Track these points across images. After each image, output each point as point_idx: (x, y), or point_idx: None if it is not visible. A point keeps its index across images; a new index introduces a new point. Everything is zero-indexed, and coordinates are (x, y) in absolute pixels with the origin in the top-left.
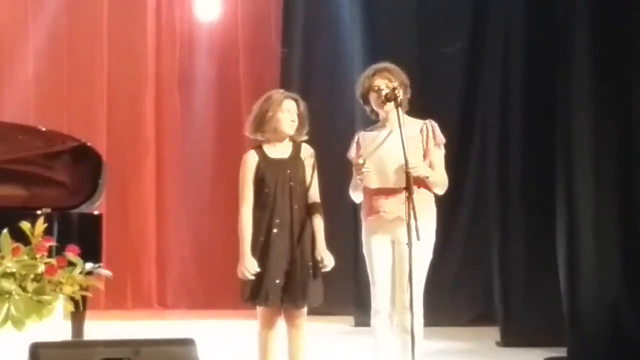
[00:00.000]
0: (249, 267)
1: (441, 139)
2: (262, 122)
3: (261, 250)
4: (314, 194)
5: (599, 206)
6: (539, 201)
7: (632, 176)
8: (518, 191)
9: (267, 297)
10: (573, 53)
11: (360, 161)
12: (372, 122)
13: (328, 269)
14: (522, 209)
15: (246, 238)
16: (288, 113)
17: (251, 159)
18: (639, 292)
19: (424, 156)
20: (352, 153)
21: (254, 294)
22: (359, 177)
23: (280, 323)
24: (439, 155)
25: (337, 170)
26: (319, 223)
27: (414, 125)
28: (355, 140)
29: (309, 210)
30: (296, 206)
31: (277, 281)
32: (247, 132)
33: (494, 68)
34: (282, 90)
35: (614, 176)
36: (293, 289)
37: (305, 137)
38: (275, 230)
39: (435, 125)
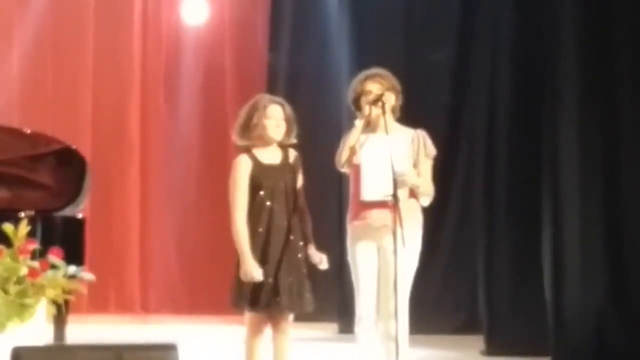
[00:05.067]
0: (255, 272)
1: (432, 150)
2: (247, 129)
3: (257, 256)
4: (301, 199)
5: (584, 216)
6: (525, 211)
7: (618, 185)
8: (504, 200)
9: (258, 302)
10: (560, 62)
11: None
12: None
13: (323, 268)
14: (508, 218)
15: (245, 242)
16: (273, 119)
17: (245, 164)
18: (624, 302)
19: (414, 166)
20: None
21: (244, 299)
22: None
23: (266, 329)
24: (427, 166)
25: (323, 175)
26: (308, 227)
27: (405, 134)
28: (344, 140)
29: (298, 215)
30: (289, 212)
31: (271, 286)
32: (235, 139)
33: (481, 78)
34: (267, 96)
35: (600, 185)
36: (288, 295)
37: (294, 141)
38: (273, 237)
39: (427, 135)
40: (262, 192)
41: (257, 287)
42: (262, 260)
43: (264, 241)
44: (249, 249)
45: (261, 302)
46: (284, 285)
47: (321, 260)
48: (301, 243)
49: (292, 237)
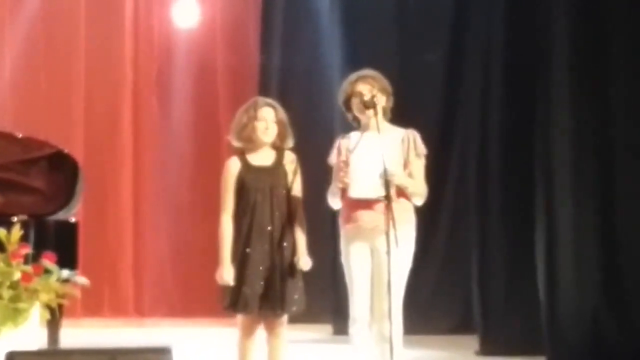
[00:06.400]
0: (226, 275)
1: (422, 149)
2: (239, 130)
3: (240, 258)
4: (296, 201)
5: (578, 216)
6: (518, 211)
7: (611, 185)
8: (497, 201)
9: (246, 305)
10: (553, 62)
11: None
12: (352, 128)
13: (303, 269)
14: (501, 218)
15: (226, 245)
16: (263, 121)
17: (233, 166)
18: (617, 301)
19: (405, 166)
20: (332, 159)
21: (233, 301)
22: (340, 183)
23: (260, 331)
24: (419, 165)
25: (316, 177)
26: (300, 230)
27: (396, 134)
28: (336, 145)
29: (291, 217)
30: (277, 213)
31: (256, 289)
32: (231, 140)
33: (474, 78)
34: (262, 98)
35: (593, 186)
36: (272, 297)
37: (291, 145)
38: (254, 238)
39: (417, 135)
40: (247, 194)
41: (236, 289)
42: (242, 262)
43: (245, 242)
44: (228, 252)
45: (239, 304)
46: (269, 286)
47: (297, 262)
48: (289, 246)
49: (278, 238)
